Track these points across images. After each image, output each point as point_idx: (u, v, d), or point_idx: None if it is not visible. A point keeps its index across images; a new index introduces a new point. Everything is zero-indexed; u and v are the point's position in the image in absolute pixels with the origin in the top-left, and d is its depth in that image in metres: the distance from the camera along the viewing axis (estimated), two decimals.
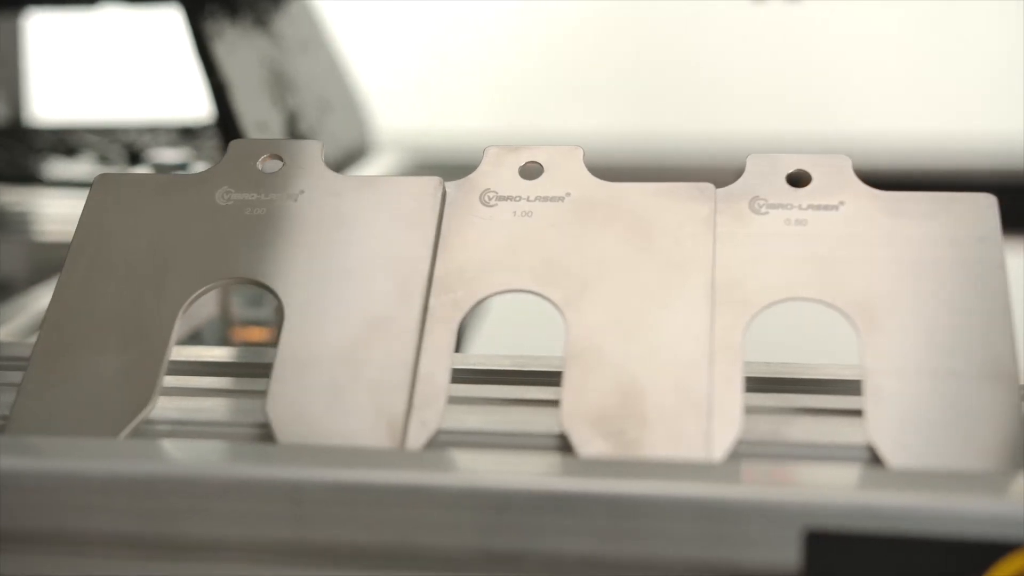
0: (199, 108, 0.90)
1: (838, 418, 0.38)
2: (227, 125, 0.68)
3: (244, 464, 0.34)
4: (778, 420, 0.38)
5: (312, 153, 0.43)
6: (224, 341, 0.69)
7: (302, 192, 0.42)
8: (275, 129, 0.73)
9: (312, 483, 0.33)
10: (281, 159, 0.43)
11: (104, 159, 0.83)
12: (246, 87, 0.70)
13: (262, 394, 0.40)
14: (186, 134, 0.86)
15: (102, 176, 0.44)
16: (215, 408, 0.39)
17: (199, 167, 0.73)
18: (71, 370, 0.39)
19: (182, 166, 0.72)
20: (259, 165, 0.43)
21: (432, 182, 0.42)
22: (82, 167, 0.83)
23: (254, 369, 0.42)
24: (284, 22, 0.81)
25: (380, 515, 0.33)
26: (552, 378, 0.41)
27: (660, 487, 0.32)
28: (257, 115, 0.70)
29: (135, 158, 0.79)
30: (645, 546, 0.32)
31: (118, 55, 1.19)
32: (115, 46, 1.18)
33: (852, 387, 0.40)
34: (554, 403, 0.39)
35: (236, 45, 0.71)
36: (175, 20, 0.83)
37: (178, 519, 0.33)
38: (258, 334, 0.72)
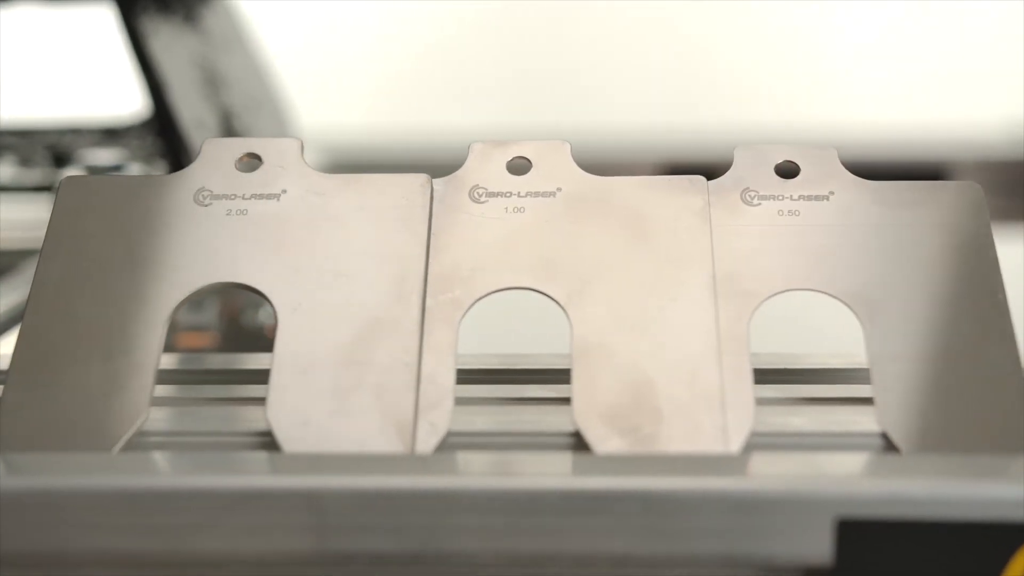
0: (121, 107, 0.87)
1: (846, 407, 0.38)
2: (165, 124, 0.65)
3: (261, 475, 0.32)
4: (787, 411, 0.38)
5: (291, 151, 0.42)
6: (165, 348, 0.66)
7: (284, 191, 0.41)
8: (212, 128, 0.71)
9: (334, 492, 0.32)
10: (259, 158, 0.42)
11: (26, 162, 0.79)
12: (182, 85, 0.68)
13: (257, 401, 0.39)
14: (110, 134, 0.83)
15: (69, 179, 0.42)
16: (210, 417, 0.38)
17: (134, 169, 0.70)
18: (54, 383, 0.37)
19: (117, 167, 0.69)
20: (236, 165, 0.41)
21: (419, 179, 0.41)
22: (2, 171, 0.80)
23: (246, 376, 0.41)
24: (211, 18, 0.79)
25: (406, 522, 0.32)
26: (554, 376, 0.40)
27: (692, 482, 0.32)
28: (194, 114, 0.68)
29: (60, 160, 0.76)
30: (678, 543, 0.32)
31: (31, 54, 1.14)
32: (28, 45, 1.14)
33: (853, 376, 0.40)
34: (560, 401, 0.39)
35: (170, 42, 0.69)
36: (90, 18, 0.80)
37: (192, 535, 0.32)
38: (198, 339, 0.70)
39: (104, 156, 0.71)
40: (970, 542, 0.31)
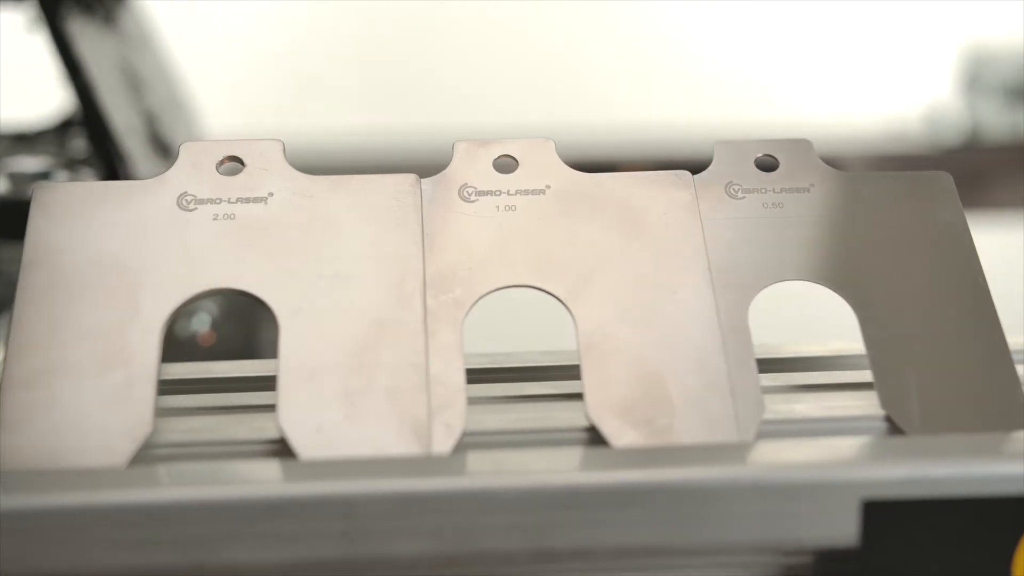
0: (21, 112, 0.84)
1: (845, 392, 0.39)
2: (96, 129, 0.63)
3: (289, 483, 0.32)
4: (789, 398, 0.39)
5: (274, 153, 0.41)
6: None
7: (271, 195, 0.40)
8: (140, 131, 0.69)
9: (365, 497, 0.32)
10: (240, 161, 0.41)
11: None
12: (109, 88, 0.66)
13: (262, 409, 0.38)
14: (21, 140, 0.79)
15: (41, 186, 0.40)
16: (216, 427, 0.37)
17: (62, 176, 0.68)
18: (52, 399, 0.35)
19: (45, 174, 0.67)
20: (218, 168, 0.41)
21: (408, 179, 0.41)
22: None
23: (246, 383, 0.40)
24: (128, 20, 0.77)
25: (439, 524, 0.32)
26: (554, 372, 0.41)
27: (723, 472, 0.32)
28: (123, 117, 0.66)
29: None
30: (710, 532, 0.32)
31: None
32: None
33: (845, 362, 0.41)
34: (566, 397, 0.39)
35: (95, 44, 0.67)
36: None
37: (220, 546, 0.31)
38: None
39: (31, 164, 0.68)
40: (988, 517, 0.32)
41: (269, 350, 0.72)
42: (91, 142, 0.64)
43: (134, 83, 0.72)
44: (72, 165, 0.70)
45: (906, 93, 1.95)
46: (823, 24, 2.00)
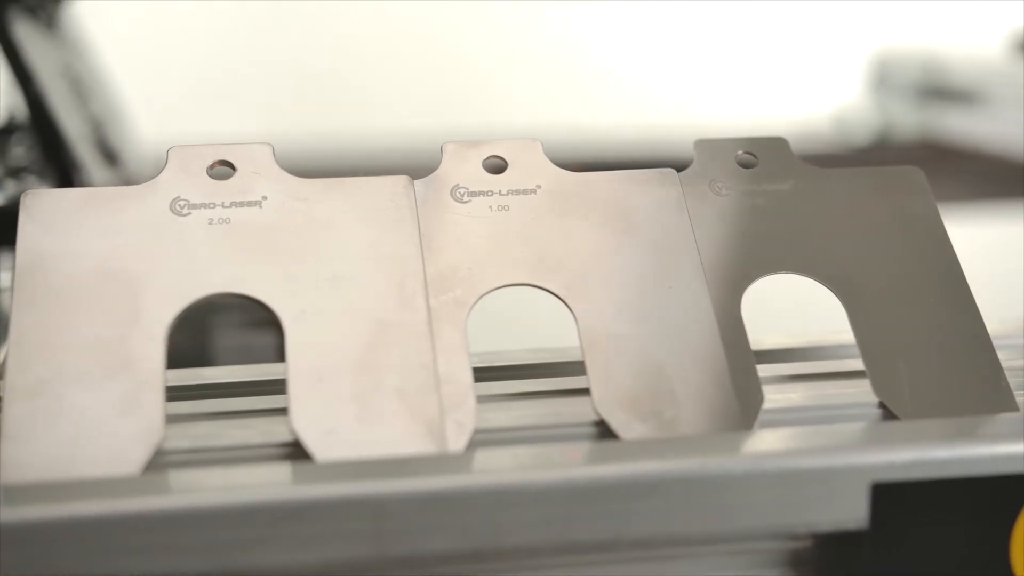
0: None
1: (839, 380, 0.40)
2: (48, 136, 0.62)
3: (320, 484, 0.32)
4: (784, 388, 0.40)
5: (264, 156, 0.41)
6: None
7: (265, 198, 0.40)
8: (89, 138, 0.67)
9: (392, 496, 0.32)
10: (231, 165, 0.41)
11: None
12: (58, 95, 0.65)
13: (268, 412, 0.38)
14: None
15: (30, 193, 0.39)
16: (225, 431, 0.36)
17: (10, 185, 0.66)
18: (58, 409, 0.35)
19: None
20: (209, 172, 0.40)
21: (402, 180, 0.41)
22: None
23: (246, 388, 0.40)
24: (67, 25, 0.75)
25: (465, 520, 0.32)
26: (557, 368, 0.41)
27: (740, 461, 0.33)
28: (74, 124, 0.65)
29: None
30: (729, 519, 0.33)
31: None
32: None
33: (834, 352, 0.43)
34: (572, 392, 0.39)
35: (42, 51, 0.65)
36: None
37: (245, 550, 0.31)
38: None
39: None
40: (988, 495, 0.34)
41: (225, 357, 0.71)
42: (42, 150, 0.62)
43: (78, 89, 0.71)
44: (16, 173, 0.69)
45: (817, 95, 1.99)
46: (736, 28, 2.04)
